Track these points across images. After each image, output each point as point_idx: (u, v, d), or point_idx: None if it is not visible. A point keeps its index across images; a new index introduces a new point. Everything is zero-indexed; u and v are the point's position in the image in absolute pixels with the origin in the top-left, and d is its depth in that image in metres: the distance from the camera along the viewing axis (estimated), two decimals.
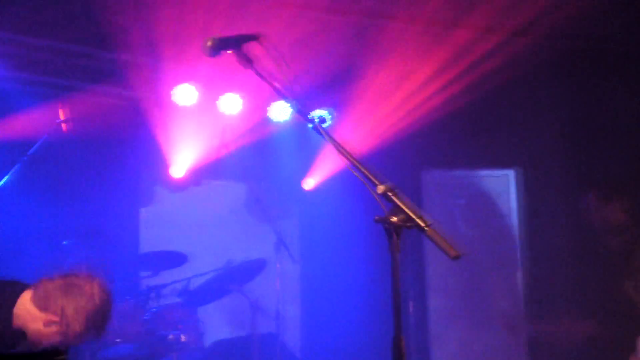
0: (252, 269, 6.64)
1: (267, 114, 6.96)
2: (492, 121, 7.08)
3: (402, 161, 6.96)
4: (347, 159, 2.92)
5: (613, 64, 6.61)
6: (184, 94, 6.49)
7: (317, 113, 6.70)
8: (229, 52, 3.16)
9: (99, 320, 3.59)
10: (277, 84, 3.11)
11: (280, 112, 6.93)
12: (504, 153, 7.30)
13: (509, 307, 7.23)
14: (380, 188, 2.82)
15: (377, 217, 2.79)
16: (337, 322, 7.25)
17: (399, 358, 2.76)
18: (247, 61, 3.15)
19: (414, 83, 6.52)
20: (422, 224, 2.77)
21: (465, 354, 7.33)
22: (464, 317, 7.37)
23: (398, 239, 2.79)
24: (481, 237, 7.42)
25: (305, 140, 6.86)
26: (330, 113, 6.91)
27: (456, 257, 2.77)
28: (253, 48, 3.17)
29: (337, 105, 6.92)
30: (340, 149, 2.93)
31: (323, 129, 3.00)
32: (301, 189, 7.37)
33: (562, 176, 6.99)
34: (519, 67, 6.36)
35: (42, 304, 3.54)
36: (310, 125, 3.07)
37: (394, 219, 2.79)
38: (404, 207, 2.79)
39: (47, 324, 3.52)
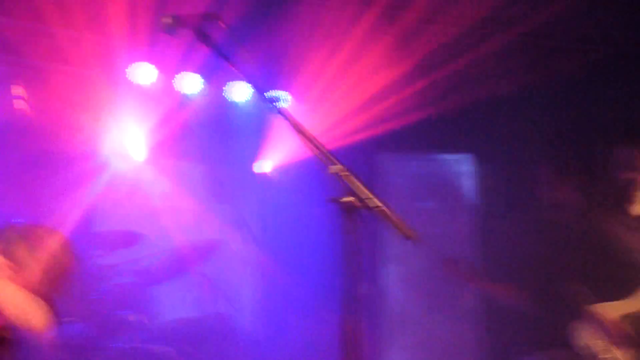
0: (208, 250, 6.62)
1: (225, 94, 6.94)
2: (449, 105, 7.12)
3: (356, 145, 6.97)
4: (304, 138, 2.93)
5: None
6: (141, 73, 6.44)
7: (273, 94, 6.69)
8: (187, 29, 3.13)
9: (58, 272, 3.52)
10: (235, 64, 3.10)
11: (240, 92, 6.91)
12: (461, 137, 7.35)
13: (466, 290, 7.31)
14: (334, 168, 2.84)
15: (330, 197, 2.82)
16: (294, 304, 7.28)
17: (349, 343, 2.78)
18: (207, 40, 3.12)
19: (367, 66, 6.54)
20: (374, 205, 2.81)
21: (423, 337, 7.42)
22: (422, 302, 7.45)
23: (351, 219, 2.82)
24: (436, 220, 7.50)
25: (264, 121, 6.86)
26: (285, 95, 6.91)
27: (411, 238, 2.82)
28: (209, 28, 3.15)
29: (292, 88, 6.92)
30: (297, 128, 2.94)
31: (280, 108, 3.01)
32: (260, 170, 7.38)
33: (519, 159, 7.07)
34: (476, 51, 6.42)
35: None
36: (267, 105, 3.07)
37: (347, 199, 2.81)
38: (356, 188, 2.82)
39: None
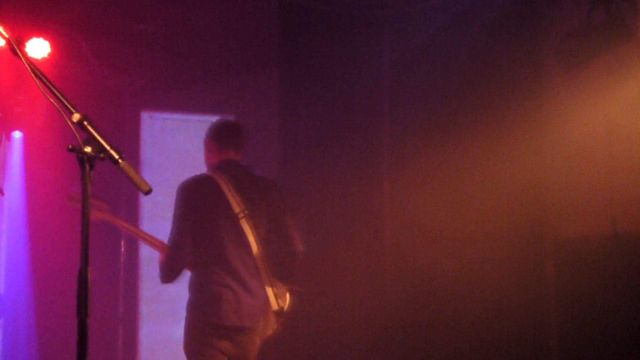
0: None
1: None
2: (213, 66, 7.15)
3: (121, 102, 6.87)
4: (42, 83, 2.83)
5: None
6: None
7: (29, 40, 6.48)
8: None
9: None
10: None
11: None
12: (223, 98, 7.41)
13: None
14: (76, 116, 2.77)
15: (70, 146, 2.75)
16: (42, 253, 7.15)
17: (84, 292, 2.75)
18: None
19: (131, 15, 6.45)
20: (116, 156, 2.78)
21: None
22: None
23: (91, 170, 2.77)
24: None
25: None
26: (44, 42, 6.65)
27: (148, 192, 2.82)
28: None
29: (52, 35, 6.68)
30: (34, 72, 2.83)
31: (19, 50, 2.88)
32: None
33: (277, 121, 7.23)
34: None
35: None
36: (11, 48, 2.93)
37: (88, 149, 2.76)
38: (99, 138, 2.76)
39: None
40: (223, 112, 7.05)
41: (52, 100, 2.81)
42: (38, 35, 6.60)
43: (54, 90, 2.79)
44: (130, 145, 7.22)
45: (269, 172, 6.46)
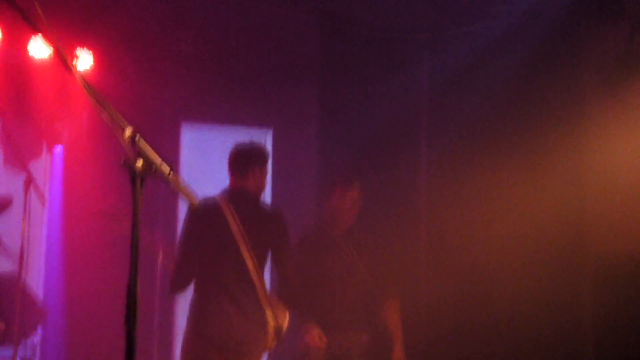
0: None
1: (28, 49, 6.67)
2: (252, 79, 7.20)
3: (161, 114, 6.93)
4: (94, 98, 2.86)
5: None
6: None
7: (77, 52, 6.53)
8: None
9: None
10: (31, 18, 2.98)
11: (41, 48, 6.66)
12: (263, 112, 7.45)
13: None
14: (128, 131, 2.81)
15: (123, 161, 2.78)
16: (79, 266, 7.19)
17: (133, 304, 2.79)
18: None
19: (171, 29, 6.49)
20: (166, 171, 2.81)
21: None
22: None
23: (142, 185, 2.80)
24: None
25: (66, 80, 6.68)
26: (88, 54, 6.71)
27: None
28: None
29: (95, 48, 6.75)
30: (86, 86, 2.85)
31: (71, 64, 2.92)
32: (58, 129, 7.19)
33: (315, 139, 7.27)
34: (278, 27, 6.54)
35: None
36: (63, 62, 2.97)
37: (139, 164, 2.79)
38: (149, 153, 2.79)
39: None
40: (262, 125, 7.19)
41: (103, 114, 2.83)
42: (82, 47, 6.66)
43: (105, 105, 2.82)
44: (171, 158, 7.26)
45: (304, 187, 6.52)
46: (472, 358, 6.35)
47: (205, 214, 5.09)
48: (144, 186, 2.78)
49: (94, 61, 6.73)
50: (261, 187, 5.29)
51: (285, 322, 5.25)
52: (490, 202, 6.29)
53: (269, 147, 7.50)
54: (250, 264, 5.07)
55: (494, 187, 6.26)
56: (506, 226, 6.16)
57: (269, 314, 5.12)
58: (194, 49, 6.90)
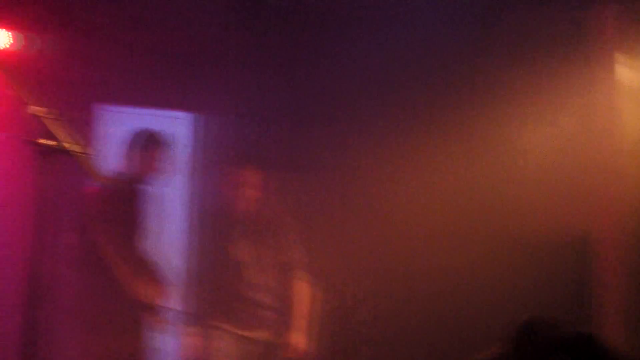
0: None
1: None
2: (174, 62, 7.08)
3: (80, 94, 6.75)
4: (5, 73, 2.79)
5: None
6: None
7: None
8: None
9: None
10: None
11: None
12: (186, 96, 7.32)
13: None
14: (34, 108, 2.73)
15: (27, 138, 2.70)
16: None
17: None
18: None
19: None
20: (76, 149, 2.74)
21: None
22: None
23: (48, 162, 2.72)
24: None
25: None
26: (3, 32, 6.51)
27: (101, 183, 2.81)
28: None
29: (12, 26, 6.55)
30: None
31: None
32: None
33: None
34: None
35: None
36: None
37: (47, 141, 2.72)
38: (57, 130, 2.73)
39: None
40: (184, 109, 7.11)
41: (12, 91, 2.76)
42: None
43: (15, 81, 2.75)
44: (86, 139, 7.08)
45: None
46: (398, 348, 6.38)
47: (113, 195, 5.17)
48: (54, 164, 2.71)
49: (12, 38, 6.55)
50: (150, 170, 5.70)
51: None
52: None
53: (191, 131, 7.42)
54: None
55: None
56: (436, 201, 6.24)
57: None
58: (115, 27, 6.75)
